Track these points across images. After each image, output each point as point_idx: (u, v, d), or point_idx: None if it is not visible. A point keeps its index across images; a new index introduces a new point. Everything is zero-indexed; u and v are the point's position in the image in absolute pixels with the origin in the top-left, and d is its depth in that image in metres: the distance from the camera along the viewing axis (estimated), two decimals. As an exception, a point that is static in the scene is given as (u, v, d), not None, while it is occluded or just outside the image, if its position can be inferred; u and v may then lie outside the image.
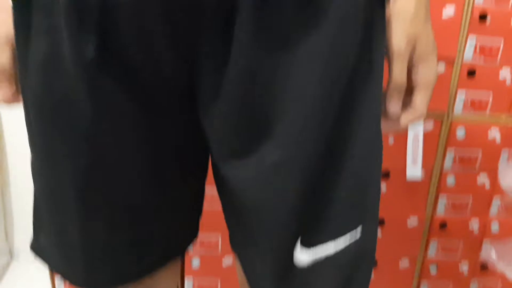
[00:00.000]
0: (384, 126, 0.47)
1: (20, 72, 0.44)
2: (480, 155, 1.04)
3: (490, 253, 1.09)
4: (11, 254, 1.46)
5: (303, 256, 0.42)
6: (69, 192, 0.46)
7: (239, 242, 0.52)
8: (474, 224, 1.11)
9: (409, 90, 0.46)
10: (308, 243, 0.42)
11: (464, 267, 1.15)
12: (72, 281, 0.51)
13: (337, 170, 0.41)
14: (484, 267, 1.15)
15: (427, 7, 0.44)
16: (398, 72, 0.44)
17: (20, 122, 1.24)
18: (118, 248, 0.49)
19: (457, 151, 1.04)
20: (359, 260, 0.45)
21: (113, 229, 0.48)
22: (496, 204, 1.09)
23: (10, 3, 0.45)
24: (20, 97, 0.50)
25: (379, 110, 0.44)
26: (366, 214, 0.44)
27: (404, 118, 0.46)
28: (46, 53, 0.41)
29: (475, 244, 1.12)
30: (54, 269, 0.52)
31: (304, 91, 0.39)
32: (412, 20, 0.43)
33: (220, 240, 1.08)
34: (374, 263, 0.47)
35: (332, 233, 0.42)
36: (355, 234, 0.43)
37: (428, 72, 0.44)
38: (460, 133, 1.02)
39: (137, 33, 0.38)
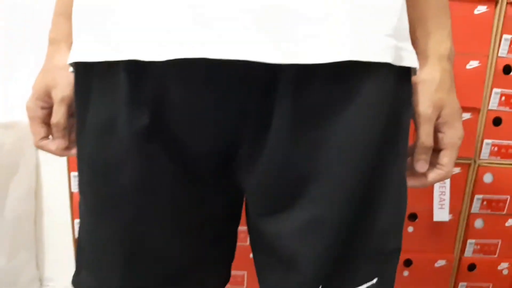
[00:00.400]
0: (411, 183, 0.50)
1: (78, 131, 0.48)
2: (508, 199, 1.04)
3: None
4: (40, 282, 1.49)
5: None
6: (112, 244, 0.49)
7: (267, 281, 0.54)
8: (504, 267, 1.10)
9: (435, 149, 0.49)
10: None
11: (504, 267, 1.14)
12: None
13: (364, 229, 0.44)
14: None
15: (452, 76, 0.48)
16: (425, 136, 0.47)
17: (55, 159, 1.29)
18: None
19: (485, 195, 1.04)
20: None
21: (150, 279, 0.50)
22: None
23: (69, 68, 0.50)
24: (71, 151, 0.55)
25: (404, 172, 0.46)
26: (384, 266, 0.46)
27: (431, 177, 0.50)
28: (102, 119, 0.44)
29: (504, 287, 1.12)
30: None
31: (339, 158, 0.41)
32: (437, 87, 0.47)
33: (246, 277, 1.09)
34: None
35: (351, 283, 0.45)
36: (371, 283, 0.46)
37: (454, 135, 0.48)
38: (487, 178, 1.03)
39: (187, 110, 0.42)
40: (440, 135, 0.49)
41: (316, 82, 0.39)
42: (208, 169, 0.47)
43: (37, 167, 1.39)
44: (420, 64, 0.46)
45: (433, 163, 0.50)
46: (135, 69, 0.40)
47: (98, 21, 0.42)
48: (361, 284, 0.45)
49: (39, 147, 0.55)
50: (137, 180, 0.45)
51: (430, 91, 0.47)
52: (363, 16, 0.39)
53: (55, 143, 0.54)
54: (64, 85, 0.52)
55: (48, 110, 0.54)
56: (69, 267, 1.29)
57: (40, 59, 0.55)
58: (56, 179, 1.34)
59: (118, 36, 0.40)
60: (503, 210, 1.05)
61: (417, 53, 0.45)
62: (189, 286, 0.54)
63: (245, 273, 1.09)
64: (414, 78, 0.46)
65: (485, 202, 1.04)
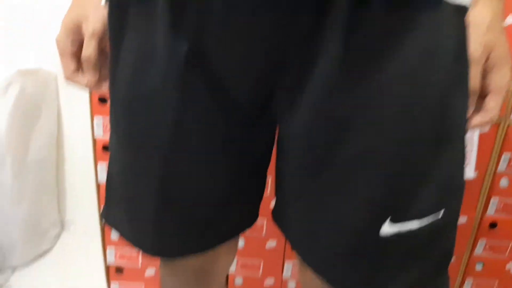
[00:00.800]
0: None
1: (112, 64, 0.48)
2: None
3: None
4: (62, 225, 1.54)
5: (388, 229, 0.45)
6: (149, 177, 0.50)
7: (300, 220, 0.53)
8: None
9: (480, 95, 0.48)
10: (396, 219, 0.44)
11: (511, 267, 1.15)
12: (141, 249, 0.56)
13: (432, 161, 0.44)
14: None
15: (502, 17, 0.47)
16: (473, 78, 0.46)
17: (76, 100, 1.28)
18: (187, 226, 0.54)
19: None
20: (440, 229, 0.47)
21: (185, 211, 0.53)
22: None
23: (101, 1, 0.50)
24: (102, 85, 0.55)
25: (466, 110, 0.46)
26: (450, 200, 0.47)
27: (475, 120, 0.49)
28: (140, 49, 0.45)
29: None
30: (124, 237, 0.57)
31: (400, 90, 0.41)
32: (488, 28, 0.46)
33: (265, 223, 1.11)
34: (454, 240, 0.49)
35: (419, 214, 0.45)
36: (437, 215, 0.46)
37: (502, 78, 0.47)
38: (503, 183, 1.01)
39: (230, 39, 0.41)
40: (487, 78, 0.47)
41: (372, 13, 0.38)
42: (246, 104, 0.47)
43: (58, 113, 1.39)
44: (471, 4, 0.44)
45: (477, 107, 0.49)
46: None
47: None
48: (429, 214, 0.45)
49: (70, 80, 0.55)
50: (175, 110, 0.46)
51: (480, 32, 0.45)
52: None
53: (86, 76, 0.54)
54: (95, 18, 0.51)
55: (78, 44, 0.53)
56: (90, 211, 1.32)
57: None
58: (78, 124, 1.34)
59: None
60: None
61: None
62: (221, 219, 0.56)
63: (265, 220, 1.11)
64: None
65: (501, 205, 1.03)
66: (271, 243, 1.13)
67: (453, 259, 1.16)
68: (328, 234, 0.48)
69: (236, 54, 0.43)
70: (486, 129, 1.00)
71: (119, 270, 1.19)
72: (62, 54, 0.54)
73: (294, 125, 0.45)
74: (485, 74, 0.47)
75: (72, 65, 0.54)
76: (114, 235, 1.15)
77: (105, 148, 1.05)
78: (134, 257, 1.17)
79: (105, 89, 0.55)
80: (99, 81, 0.55)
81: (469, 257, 1.13)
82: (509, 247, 1.12)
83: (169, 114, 0.46)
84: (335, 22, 0.39)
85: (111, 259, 1.17)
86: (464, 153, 0.47)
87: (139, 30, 0.45)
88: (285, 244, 1.13)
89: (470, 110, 0.48)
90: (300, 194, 0.49)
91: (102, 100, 1.00)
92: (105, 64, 0.54)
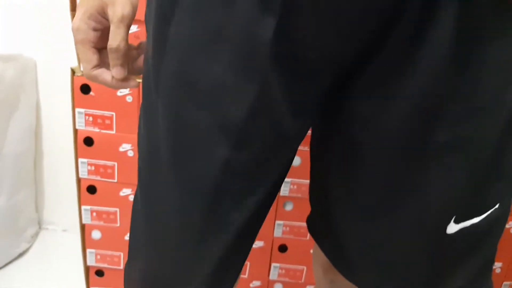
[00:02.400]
0: None
1: (156, 55, 0.40)
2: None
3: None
4: (39, 224, 1.48)
5: (453, 228, 0.43)
6: (202, 183, 0.42)
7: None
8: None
9: None
10: (460, 220, 0.43)
11: (497, 266, 1.15)
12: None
13: (503, 155, 0.42)
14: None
15: None
16: None
17: (57, 89, 1.24)
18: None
19: None
20: (495, 222, 0.45)
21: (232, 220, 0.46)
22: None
23: None
24: (130, 83, 0.47)
25: None
26: (505, 190, 0.45)
27: None
28: (203, 32, 0.36)
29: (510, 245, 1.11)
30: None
31: (503, 80, 0.38)
32: None
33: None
34: (505, 223, 0.48)
35: (480, 212, 0.43)
36: (494, 209, 0.44)
37: None
38: None
39: (324, 18, 0.35)
40: None
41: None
42: (323, 94, 0.41)
43: (37, 103, 1.34)
44: None
45: None
46: None
47: None
48: (488, 210, 0.44)
49: (91, 77, 0.47)
50: (246, 114, 0.38)
51: None
52: None
53: (113, 72, 0.45)
54: (124, 0, 0.43)
55: (101, 32, 0.45)
56: (70, 209, 1.27)
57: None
58: (59, 116, 1.30)
59: None
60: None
61: None
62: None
63: (248, 263, 1.12)
64: None
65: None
66: (257, 243, 1.10)
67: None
68: (389, 244, 0.45)
69: (330, 34, 0.36)
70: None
71: (99, 273, 1.15)
72: (82, 45, 0.45)
73: (385, 117, 0.39)
74: None
75: (94, 58, 0.46)
76: (95, 235, 1.10)
77: (86, 141, 1.01)
78: (115, 259, 1.13)
79: (133, 86, 0.48)
80: (127, 78, 0.47)
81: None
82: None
83: (236, 110, 0.38)
84: (449, 6, 0.33)
85: (91, 261, 1.12)
86: None
87: (202, 6, 0.36)
88: (271, 245, 1.10)
89: None
90: (369, 201, 0.44)
91: (85, 90, 0.96)
92: (131, 58, 0.47)
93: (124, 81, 0.46)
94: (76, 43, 0.45)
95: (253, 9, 0.34)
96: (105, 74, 0.46)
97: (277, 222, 1.07)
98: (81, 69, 0.46)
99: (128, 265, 0.52)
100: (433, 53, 0.35)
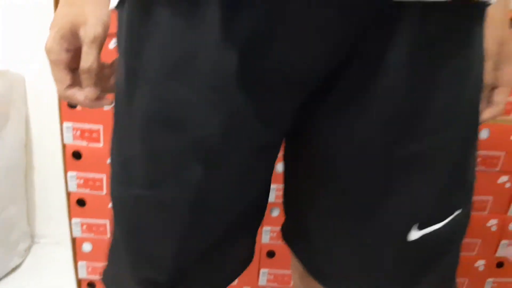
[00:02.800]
0: None
1: (128, 80, 0.41)
2: (502, 156, 1.06)
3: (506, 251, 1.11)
4: (32, 238, 1.49)
5: (417, 234, 0.45)
6: (168, 230, 0.43)
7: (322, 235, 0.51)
8: (493, 223, 1.12)
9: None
10: (423, 227, 0.44)
11: (481, 264, 1.18)
12: None
13: (464, 163, 0.44)
14: (500, 265, 1.18)
15: (508, 14, 0.50)
16: (488, 72, 0.48)
17: (45, 105, 1.25)
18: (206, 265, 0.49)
19: (479, 152, 1.05)
20: (457, 228, 0.47)
21: (209, 246, 0.47)
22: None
23: (108, 2, 0.43)
24: (102, 101, 0.47)
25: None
26: (468, 197, 0.48)
27: (487, 113, 0.51)
28: (172, 60, 0.38)
29: (492, 242, 1.14)
30: None
31: (453, 94, 0.41)
32: (499, 25, 0.49)
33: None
34: (466, 230, 0.50)
35: (442, 218, 0.45)
36: (457, 213, 0.46)
37: (511, 72, 0.50)
38: (483, 134, 1.04)
39: (289, 45, 0.37)
40: (497, 72, 0.49)
41: (435, 18, 0.37)
42: (290, 116, 0.43)
43: (27, 119, 1.36)
44: None
45: (487, 100, 0.51)
46: None
47: None
48: (448, 217, 0.45)
49: (65, 97, 0.47)
50: (216, 137, 0.39)
51: (494, 28, 0.48)
52: None
53: (85, 92, 0.46)
54: (94, 21, 0.43)
55: (73, 52, 0.45)
56: (61, 223, 1.28)
57: None
58: (48, 131, 1.31)
59: None
60: (497, 167, 1.07)
61: None
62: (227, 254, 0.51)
63: None
64: None
65: (479, 159, 1.05)
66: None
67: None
68: (356, 251, 0.47)
69: (293, 60, 0.38)
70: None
71: (91, 285, 1.16)
72: (55, 65, 0.45)
73: (351, 134, 0.41)
74: (495, 68, 0.49)
75: (67, 79, 0.46)
76: (85, 247, 1.12)
77: (75, 155, 1.03)
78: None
79: (106, 104, 0.48)
80: (100, 96, 0.47)
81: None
82: (478, 245, 1.14)
83: (206, 132, 0.39)
84: (405, 30, 0.37)
85: (82, 273, 1.14)
86: (476, 151, 0.47)
87: (171, 36, 0.37)
88: (260, 251, 1.13)
89: (482, 103, 0.49)
90: (339, 211, 0.46)
91: (72, 105, 0.98)
92: (103, 77, 0.47)
93: (97, 100, 0.47)
94: (49, 63, 0.46)
95: (219, 40, 0.36)
96: (78, 94, 0.46)
97: (264, 228, 1.10)
98: (58, 92, 0.47)
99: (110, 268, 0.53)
100: (391, 75, 0.38)
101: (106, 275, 0.52)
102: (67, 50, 0.45)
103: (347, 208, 0.45)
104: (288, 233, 0.57)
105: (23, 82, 1.32)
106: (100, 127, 1.00)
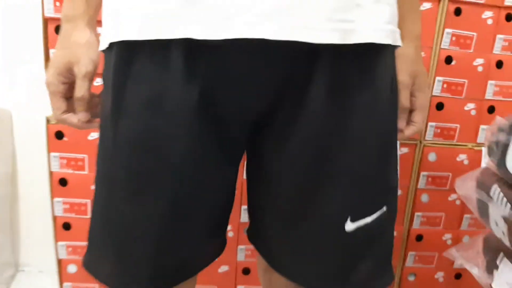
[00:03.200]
0: None
1: (112, 108, 0.49)
2: (450, 176, 1.17)
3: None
4: (16, 266, 1.53)
5: (350, 226, 0.54)
6: (151, 221, 0.50)
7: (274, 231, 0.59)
8: (447, 237, 1.23)
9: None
10: (355, 219, 0.54)
11: (440, 276, 1.27)
12: None
13: (381, 173, 0.54)
14: (458, 276, 1.27)
15: (421, 52, 0.62)
16: (405, 99, 0.60)
17: (32, 137, 1.32)
18: (182, 261, 0.56)
19: (430, 173, 1.17)
20: (385, 221, 0.57)
21: (183, 248, 0.54)
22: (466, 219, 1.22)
23: (91, 45, 0.55)
24: (92, 124, 0.58)
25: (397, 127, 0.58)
26: (390, 198, 0.57)
27: (408, 131, 0.64)
28: (149, 95, 0.46)
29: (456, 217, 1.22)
30: (106, 282, 0.56)
31: (365, 120, 0.50)
32: (413, 61, 0.60)
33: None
34: (394, 223, 0.59)
35: (370, 213, 0.54)
36: (383, 210, 0.56)
37: (424, 98, 0.63)
38: (431, 157, 1.16)
39: (239, 81, 0.47)
40: (413, 99, 0.62)
41: (348, 58, 0.48)
42: (241, 142, 0.54)
43: (13, 152, 1.43)
44: None
45: (407, 121, 0.64)
46: (191, 46, 0.44)
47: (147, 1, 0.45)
48: (376, 211, 0.55)
49: (61, 120, 0.58)
50: (183, 156, 0.48)
51: (407, 64, 0.60)
52: (377, 8, 0.48)
53: (78, 116, 0.57)
54: (86, 61, 0.55)
55: (68, 85, 0.57)
56: (45, 251, 1.34)
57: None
58: (34, 161, 1.38)
59: (174, 15, 0.43)
60: (446, 186, 1.18)
61: None
62: (204, 256, 0.60)
63: (215, 287, 1.21)
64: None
65: (430, 179, 1.17)
66: (223, 268, 1.21)
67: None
68: (304, 241, 0.56)
69: (238, 98, 0.48)
70: (405, 150, 1.15)
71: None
72: (53, 95, 0.56)
73: (287, 153, 0.51)
74: (411, 95, 0.61)
75: (63, 106, 0.57)
76: (70, 269, 1.18)
77: (61, 182, 1.11)
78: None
79: (95, 127, 0.57)
80: (90, 120, 0.58)
81: (402, 269, 1.25)
82: (436, 258, 1.25)
83: (180, 159, 0.48)
84: (321, 70, 0.47)
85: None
86: (397, 160, 0.58)
87: (147, 78, 0.46)
88: (236, 270, 1.21)
89: (403, 123, 0.62)
90: (286, 213, 0.55)
91: (59, 135, 1.07)
92: (93, 104, 0.57)
93: (88, 123, 0.58)
94: (48, 94, 0.57)
95: (183, 82, 0.45)
96: (72, 118, 0.57)
97: (239, 247, 1.18)
98: (54, 117, 0.58)
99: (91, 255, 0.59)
100: (313, 107, 0.48)
101: (87, 261, 0.59)
102: (63, 83, 0.56)
103: (292, 210, 0.55)
104: (252, 234, 0.67)
105: (10, 117, 1.40)
106: (85, 156, 1.09)
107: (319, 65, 0.47)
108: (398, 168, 0.59)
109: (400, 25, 0.57)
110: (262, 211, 0.60)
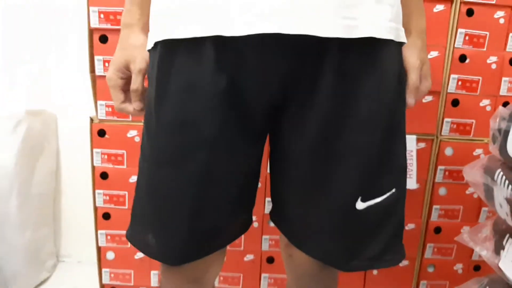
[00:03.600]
0: None
1: (157, 95, 0.58)
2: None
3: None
4: (57, 257, 1.64)
5: (362, 205, 0.60)
6: (187, 187, 0.59)
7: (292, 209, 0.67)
8: (466, 230, 1.25)
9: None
10: (366, 199, 0.61)
11: (459, 268, 1.30)
12: (166, 262, 0.65)
13: (389, 152, 0.60)
14: (477, 268, 1.30)
15: (425, 44, 0.71)
16: (415, 79, 0.66)
17: (74, 136, 1.45)
18: (210, 234, 0.64)
19: (446, 167, 1.21)
20: (395, 202, 0.63)
21: (212, 220, 0.63)
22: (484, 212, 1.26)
23: (146, 46, 0.64)
24: (142, 113, 0.67)
25: (405, 112, 0.65)
26: (400, 179, 0.64)
27: (419, 95, 0.70)
28: (186, 83, 0.56)
29: (468, 247, 1.26)
30: (147, 253, 0.65)
31: (371, 105, 0.58)
32: (420, 50, 0.68)
33: (243, 238, 1.26)
34: (404, 203, 0.65)
35: (380, 194, 0.61)
36: (392, 192, 0.62)
37: (426, 86, 0.70)
38: (448, 151, 1.20)
39: (257, 72, 0.56)
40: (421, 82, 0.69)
41: (353, 51, 0.55)
42: (261, 125, 0.62)
43: (57, 150, 1.55)
44: (406, 35, 0.65)
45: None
46: (219, 42, 0.53)
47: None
48: (386, 193, 0.62)
49: (120, 109, 0.68)
50: (215, 132, 0.57)
51: (417, 52, 0.68)
52: (378, 7, 0.56)
53: (134, 105, 0.67)
54: (140, 59, 0.65)
55: (126, 80, 0.67)
56: (85, 242, 1.44)
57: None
58: (75, 159, 1.50)
59: (208, 15, 0.53)
60: (464, 180, 1.22)
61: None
62: (229, 230, 0.67)
63: (241, 275, 1.28)
64: (405, 45, 0.65)
65: (447, 173, 1.22)
66: (248, 257, 1.28)
67: (407, 263, 1.30)
68: (320, 219, 0.63)
69: (259, 85, 0.57)
70: (422, 145, 1.20)
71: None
72: (113, 88, 0.67)
73: (302, 134, 0.59)
74: (420, 79, 0.68)
75: (121, 97, 0.67)
76: (109, 256, 1.28)
77: (102, 175, 1.22)
78: (127, 276, 1.29)
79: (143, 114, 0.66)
80: (143, 109, 0.67)
81: (421, 260, 1.29)
82: (454, 249, 1.28)
83: (209, 135, 0.57)
84: (330, 61, 0.55)
85: (106, 279, 1.29)
86: (405, 143, 0.64)
87: (185, 69, 0.56)
88: (260, 259, 1.28)
89: (412, 100, 0.67)
90: (302, 192, 0.63)
91: (101, 133, 1.18)
92: (145, 96, 0.65)
93: (141, 111, 0.67)
94: (109, 87, 0.67)
95: (213, 71, 0.55)
96: (129, 107, 0.67)
97: (264, 237, 1.26)
98: (115, 106, 0.69)
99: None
100: (324, 91, 0.56)
101: (130, 234, 0.68)
102: (121, 78, 0.67)
103: (308, 189, 0.63)
104: (275, 216, 0.75)
105: (55, 120, 1.53)
106: (124, 152, 1.20)
107: (328, 57, 0.55)
108: (405, 152, 0.65)
109: (408, 22, 0.65)
110: (282, 192, 0.68)
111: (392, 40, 0.59)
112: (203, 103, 0.56)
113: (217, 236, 0.66)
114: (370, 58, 0.57)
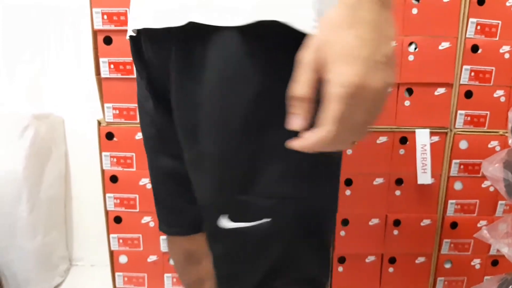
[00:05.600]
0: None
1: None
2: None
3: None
4: (70, 261, 1.65)
5: (226, 223, 0.52)
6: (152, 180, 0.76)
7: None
8: (483, 224, 1.23)
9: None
10: (233, 220, 0.51)
11: (476, 263, 1.28)
12: (161, 230, 0.78)
13: (249, 171, 0.49)
14: (495, 263, 1.28)
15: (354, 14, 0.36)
16: (303, 82, 0.39)
17: (83, 140, 1.45)
18: (175, 214, 0.75)
19: (461, 160, 1.19)
20: (267, 236, 0.50)
21: (166, 203, 0.74)
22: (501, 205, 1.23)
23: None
24: None
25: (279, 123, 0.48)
26: (276, 209, 0.50)
27: (309, 138, 0.40)
28: (139, 82, 0.68)
29: (485, 242, 1.24)
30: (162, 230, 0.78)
31: (213, 106, 0.50)
32: (328, 25, 0.37)
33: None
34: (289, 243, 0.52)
35: (248, 220, 0.51)
36: (264, 221, 0.50)
37: (336, 76, 0.36)
38: (463, 145, 1.18)
39: (151, 65, 0.61)
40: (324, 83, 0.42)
41: (188, 49, 0.51)
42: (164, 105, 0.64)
43: (66, 154, 1.55)
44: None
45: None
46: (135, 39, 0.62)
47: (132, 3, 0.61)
48: (257, 220, 0.49)
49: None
50: (152, 109, 0.66)
51: (317, 32, 0.41)
52: None
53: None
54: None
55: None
56: (97, 246, 1.44)
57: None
58: (85, 162, 1.49)
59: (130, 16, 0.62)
60: (479, 173, 1.20)
61: None
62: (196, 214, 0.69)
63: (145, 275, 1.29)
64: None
65: (462, 166, 1.19)
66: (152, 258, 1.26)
67: (423, 259, 1.28)
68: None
69: (154, 77, 0.62)
70: (436, 138, 1.17)
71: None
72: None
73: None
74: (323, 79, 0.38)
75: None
76: (122, 259, 1.27)
77: (112, 179, 1.21)
78: (140, 280, 1.29)
79: None
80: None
81: (438, 256, 1.27)
82: (471, 245, 1.26)
83: (150, 111, 0.66)
84: (174, 52, 0.52)
85: (119, 282, 1.29)
86: (293, 166, 0.48)
87: (138, 63, 0.66)
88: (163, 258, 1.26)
89: (297, 121, 0.41)
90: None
91: (109, 136, 1.17)
92: None
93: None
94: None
95: (146, 90, 0.65)
96: None
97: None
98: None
99: None
100: (174, 85, 0.54)
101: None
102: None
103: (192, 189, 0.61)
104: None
105: (62, 124, 1.53)
106: (133, 154, 1.19)
107: (173, 48, 0.53)
108: (293, 176, 0.49)
109: None
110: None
111: (224, 27, 0.46)
112: (145, 116, 0.70)
113: (184, 216, 0.73)
114: (201, 49, 0.49)
